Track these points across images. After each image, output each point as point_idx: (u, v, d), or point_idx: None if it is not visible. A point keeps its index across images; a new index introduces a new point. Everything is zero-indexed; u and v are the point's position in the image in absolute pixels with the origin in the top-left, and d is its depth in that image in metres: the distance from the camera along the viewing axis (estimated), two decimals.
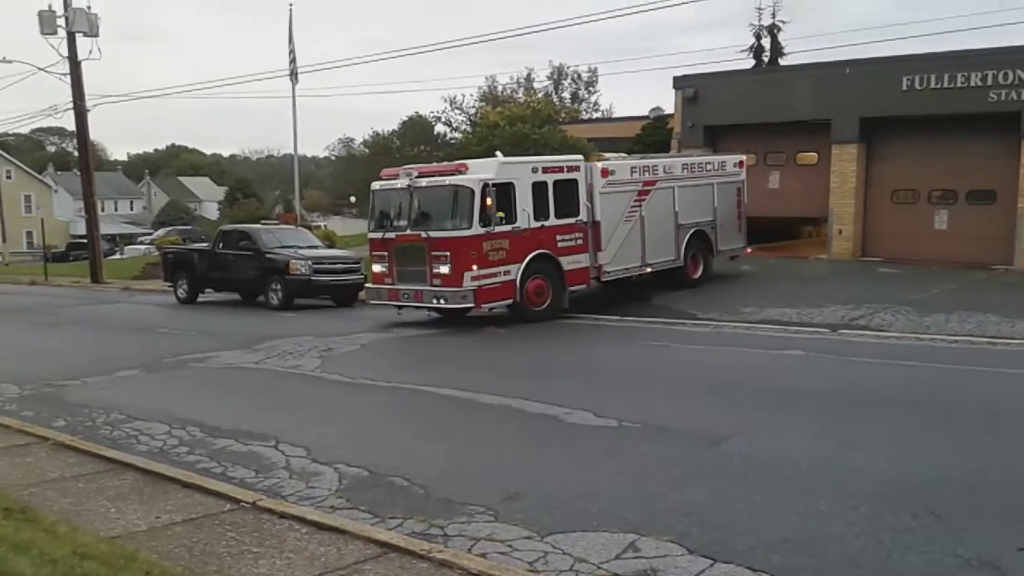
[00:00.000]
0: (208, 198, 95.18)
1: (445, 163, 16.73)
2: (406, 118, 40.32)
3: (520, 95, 46.93)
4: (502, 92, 48.23)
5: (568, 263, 16.39)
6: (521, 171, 15.83)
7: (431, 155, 32.01)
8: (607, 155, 20.26)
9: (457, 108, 36.63)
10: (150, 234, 64.93)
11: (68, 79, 27.85)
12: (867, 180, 24.46)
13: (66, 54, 27.35)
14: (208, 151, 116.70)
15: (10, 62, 29.84)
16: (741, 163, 20.60)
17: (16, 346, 15.81)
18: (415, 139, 40.46)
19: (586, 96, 61.38)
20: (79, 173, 34.23)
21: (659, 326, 15.45)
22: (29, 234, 65.90)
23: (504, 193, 15.35)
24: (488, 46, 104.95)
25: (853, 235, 24.25)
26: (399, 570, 4.94)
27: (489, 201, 14.94)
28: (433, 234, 15.31)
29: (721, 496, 6.24)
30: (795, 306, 16.11)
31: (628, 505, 6.12)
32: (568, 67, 58.98)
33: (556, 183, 16.19)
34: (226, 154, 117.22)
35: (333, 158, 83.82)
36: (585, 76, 60.04)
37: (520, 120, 29.73)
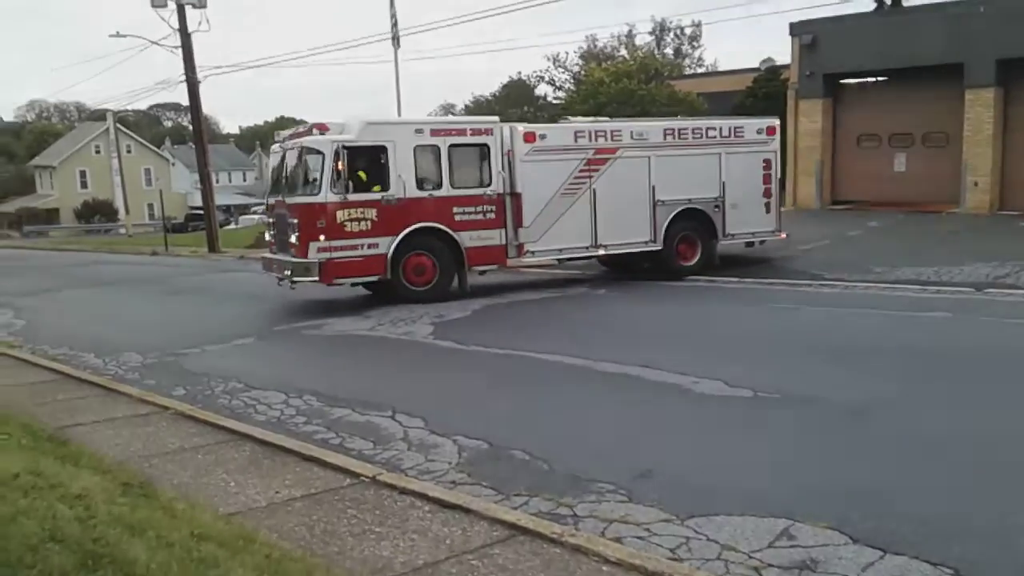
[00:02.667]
0: None
1: (313, 123, 14.42)
2: (507, 80, 39.78)
3: (622, 52, 45.65)
4: (603, 50, 47.06)
5: (470, 239, 14.58)
6: (398, 133, 14.19)
7: (535, 116, 31.43)
8: (575, 119, 17.78)
9: (560, 66, 35.82)
10: (262, 204, 66.83)
11: (179, 52, 28.53)
12: (1005, 126, 22.61)
13: (176, 26, 27.98)
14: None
15: (123, 36, 31.10)
16: (771, 129, 16.88)
17: (140, 315, 16.28)
18: (516, 101, 39.88)
19: (689, 51, 59.34)
20: (194, 146, 35.27)
21: (782, 287, 14.61)
22: (150, 206, 68.86)
23: (373, 157, 13.96)
24: (587, 3, 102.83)
25: (990, 186, 22.52)
26: (530, 555, 4.56)
27: (341, 165, 13.52)
28: (289, 200, 14.29)
29: (880, 476, 5.62)
30: (931, 264, 14.97)
31: (774, 485, 5.58)
32: (670, 21, 57.18)
33: (454, 147, 14.46)
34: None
35: None
36: (688, 30, 58.09)
37: (626, 75, 28.76)
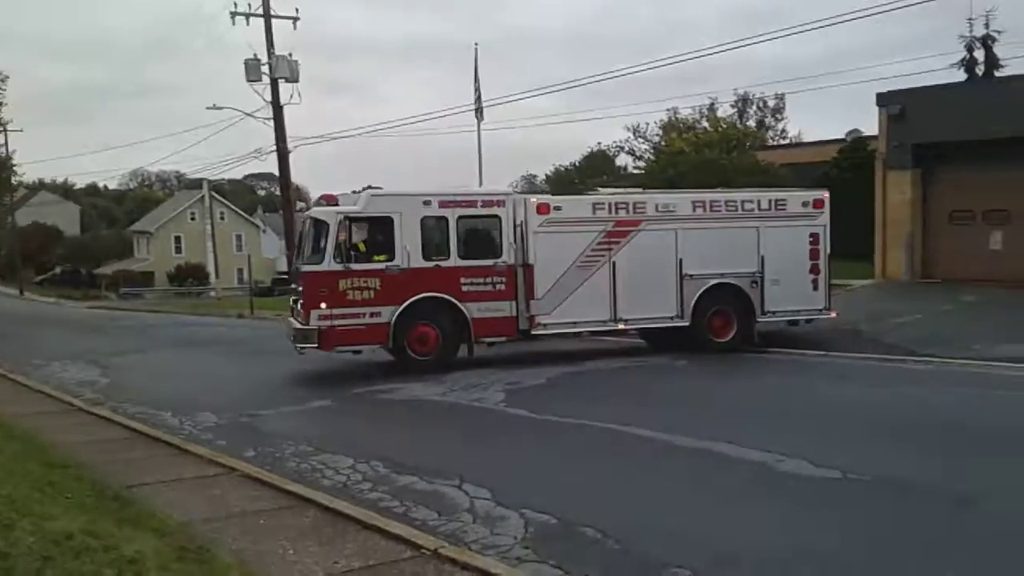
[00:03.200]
0: None
1: (322, 195, 15.02)
2: (588, 151, 40.06)
3: (703, 124, 45.58)
4: (684, 121, 47.09)
5: (477, 310, 14.51)
6: (405, 205, 14.37)
7: (613, 186, 31.47)
8: (603, 190, 17.74)
9: (640, 136, 35.87)
10: None
11: (271, 123, 29.61)
12: None
13: (269, 99, 29.09)
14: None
15: (220, 108, 32.20)
16: (819, 202, 15.96)
17: (220, 376, 16.52)
18: (596, 171, 40.04)
19: (772, 123, 58.90)
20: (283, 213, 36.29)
21: (871, 363, 13.91)
22: (239, 271, 71.00)
23: (379, 228, 14.28)
24: (669, 81, 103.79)
25: None
26: None
27: (343, 236, 13.93)
28: (301, 268, 14.68)
29: None
30: None
31: None
32: (753, 94, 56.95)
33: (463, 219, 14.62)
34: None
35: None
36: (771, 103, 57.72)
37: (707, 146, 28.55)
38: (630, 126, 35.14)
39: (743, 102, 56.00)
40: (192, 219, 74.36)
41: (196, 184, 74.12)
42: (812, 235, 15.88)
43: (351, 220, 14.19)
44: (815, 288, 15.93)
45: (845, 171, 28.49)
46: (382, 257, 14.18)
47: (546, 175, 56.93)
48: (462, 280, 14.50)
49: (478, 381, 13.22)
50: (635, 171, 33.11)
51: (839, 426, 9.48)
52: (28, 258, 58.80)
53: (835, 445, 8.28)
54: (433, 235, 14.48)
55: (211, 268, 64.40)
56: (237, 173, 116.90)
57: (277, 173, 32.27)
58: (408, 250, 14.21)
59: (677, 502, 6.90)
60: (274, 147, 30.22)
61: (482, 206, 14.85)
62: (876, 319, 17.00)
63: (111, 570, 3.93)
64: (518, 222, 14.81)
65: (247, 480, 7.70)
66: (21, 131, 54.88)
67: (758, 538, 5.95)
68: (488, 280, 14.67)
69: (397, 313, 14.11)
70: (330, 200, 14.48)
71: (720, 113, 51.49)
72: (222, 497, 7.17)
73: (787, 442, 8.30)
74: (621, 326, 15.33)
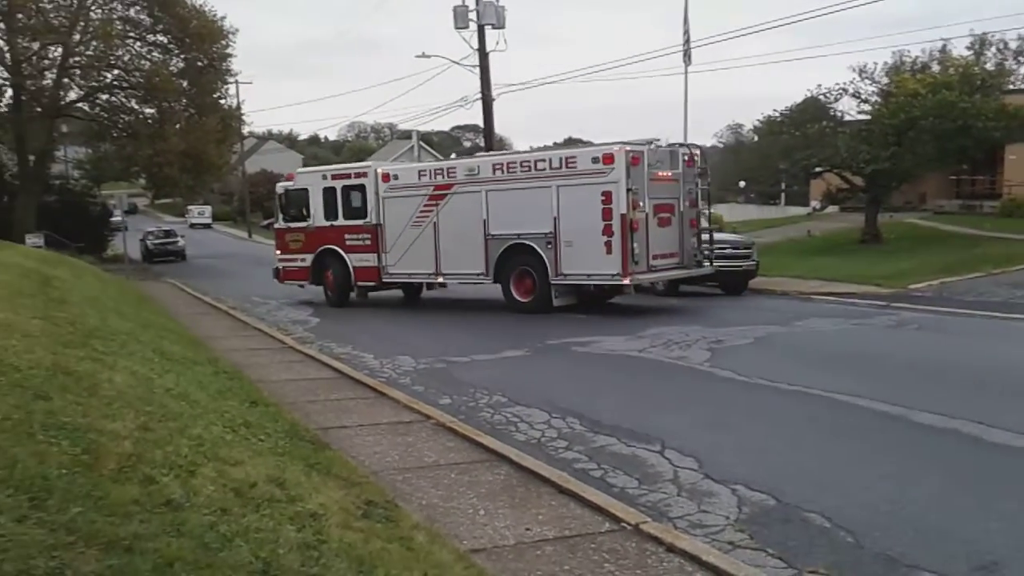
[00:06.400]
0: None
1: (292, 173, 20.80)
2: (805, 95, 36.99)
3: (933, 68, 40.91)
4: (913, 64, 42.49)
5: (356, 260, 18.26)
6: (314, 179, 19.27)
7: (834, 131, 28.87)
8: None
9: (867, 77, 32.57)
10: None
11: (477, 71, 29.65)
12: None
13: (475, 46, 29.10)
14: (600, 142, 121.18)
15: (428, 57, 32.62)
16: (608, 157, 14.57)
17: (418, 320, 16.78)
18: (812, 117, 37.00)
19: (1014, 67, 52.10)
20: None
21: None
22: None
23: (302, 197, 18.98)
24: (895, 20, 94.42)
25: None
26: None
27: (285, 203, 19.46)
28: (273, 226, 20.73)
29: None
30: None
31: None
32: (992, 34, 50.48)
33: (344, 188, 18.33)
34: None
35: (721, 145, 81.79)
36: (1013, 44, 50.97)
37: (946, 86, 25.53)
38: (854, 66, 32.11)
39: (980, 43, 49.98)
40: None
41: (406, 135, 76.78)
42: (604, 194, 14.62)
43: (289, 191, 19.44)
44: (608, 251, 14.66)
45: None
46: (306, 218, 18.95)
47: (753, 125, 53.83)
48: (345, 236, 18.38)
49: (680, 338, 12.43)
50: (860, 116, 30.20)
51: None
52: (256, 203, 63.16)
53: None
54: (329, 201, 18.58)
55: None
56: (444, 124, 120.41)
57: (482, 124, 32.43)
58: (315, 213, 18.78)
59: (920, 489, 5.88)
60: (479, 96, 30.33)
61: (355, 177, 18.39)
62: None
63: (292, 526, 3.66)
64: (375, 189, 17.86)
65: (441, 429, 7.48)
66: (250, 83, 58.73)
67: None
68: (360, 237, 18.17)
69: (311, 259, 18.94)
70: (288, 178, 20.20)
71: (955, 55, 46.30)
72: (415, 445, 6.97)
73: None
74: (440, 279, 17.42)
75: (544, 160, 15.59)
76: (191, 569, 2.94)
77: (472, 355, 11.71)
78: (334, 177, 18.78)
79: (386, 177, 17.73)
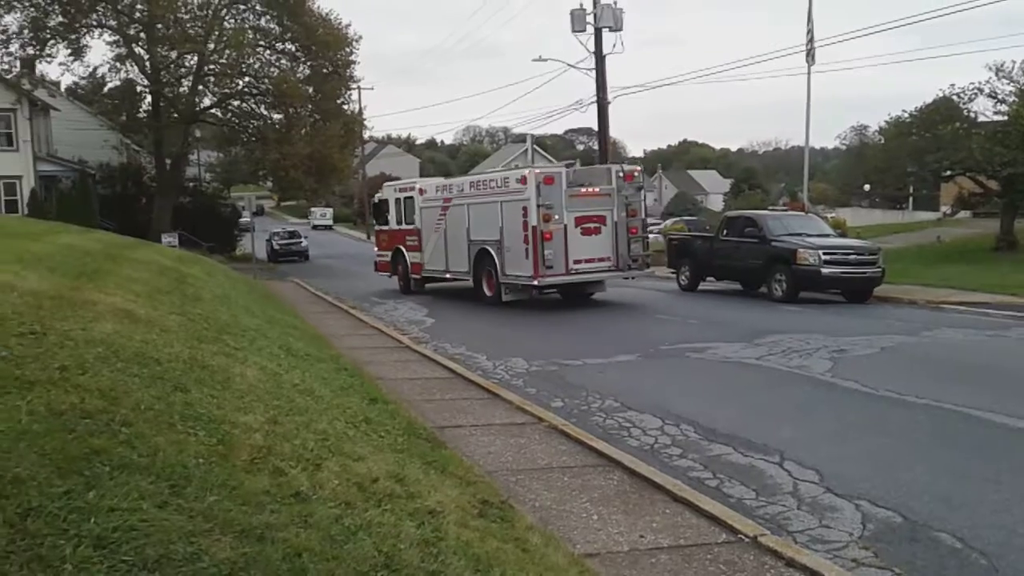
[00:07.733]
0: (714, 190, 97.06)
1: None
2: (936, 95, 35.14)
3: None
4: None
5: (412, 257, 22.31)
6: (391, 192, 23.93)
7: (967, 133, 27.35)
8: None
9: (1004, 77, 30.61)
10: (659, 224, 67.82)
11: (593, 74, 29.59)
12: None
13: (592, 49, 29.05)
14: (717, 146, 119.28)
15: (545, 60, 33.21)
16: (523, 179, 17.48)
17: (531, 322, 16.84)
18: (944, 118, 35.14)
19: None
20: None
21: None
22: None
23: (386, 205, 23.71)
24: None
25: None
26: None
27: (376, 209, 24.57)
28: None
29: None
30: None
31: None
32: None
33: (404, 199, 22.61)
34: (734, 148, 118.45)
35: (844, 147, 78.76)
36: None
37: None
38: (991, 64, 30.25)
39: None
40: None
41: (520, 139, 77.38)
42: (523, 209, 17.38)
43: (379, 201, 24.42)
44: (527, 256, 17.38)
45: None
46: (387, 223, 23.55)
47: (879, 126, 51.57)
48: (406, 238, 22.54)
49: (800, 346, 12.06)
50: (996, 117, 28.51)
51: None
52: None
53: None
54: (398, 209, 22.93)
55: None
56: (558, 128, 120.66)
57: (595, 127, 32.32)
58: (391, 219, 23.33)
59: None
60: (594, 98, 30.24)
61: (409, 191, 22.60)
62: None
63: (412, 522, 3.75)
64: (418, 201, 21.76)
65: (553, 432, 7.50)
66: (372, 88, 60.40)
67: None
68: (412, 238, 22.14)
69: (389, 255, 23.53)
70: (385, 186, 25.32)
71: None
72: (528, 447, 7.02)
73: None
74: (448, 276, 20.79)
75: (494, 180, 18.95)
76: (318, 560, 3.06)
77: (584, 358, 11.69)
78: (399, 190, 23.52)
79: (422, 191, 21.84)
